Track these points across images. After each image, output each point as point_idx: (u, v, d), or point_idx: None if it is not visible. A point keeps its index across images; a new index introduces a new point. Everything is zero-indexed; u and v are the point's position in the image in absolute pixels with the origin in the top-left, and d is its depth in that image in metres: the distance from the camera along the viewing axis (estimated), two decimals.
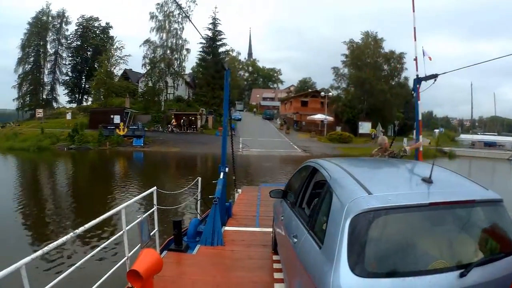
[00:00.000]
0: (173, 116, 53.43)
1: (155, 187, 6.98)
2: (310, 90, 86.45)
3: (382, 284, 3.15)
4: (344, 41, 66.04)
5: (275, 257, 7.11)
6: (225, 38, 68.52)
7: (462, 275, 3.24)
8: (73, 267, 4.47)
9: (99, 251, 5.43)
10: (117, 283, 5.92)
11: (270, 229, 7.95)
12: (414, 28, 10.38)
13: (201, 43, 64.70)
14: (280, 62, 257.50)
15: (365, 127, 63.42)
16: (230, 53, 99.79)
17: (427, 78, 10.16)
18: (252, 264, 7.17)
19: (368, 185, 3.67)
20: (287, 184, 7.02)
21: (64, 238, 4.24)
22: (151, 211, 6.84)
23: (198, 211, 10.46)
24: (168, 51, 59.26)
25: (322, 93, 68.42)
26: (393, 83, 65.69)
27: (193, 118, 54.35)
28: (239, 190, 14.84)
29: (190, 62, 74.79)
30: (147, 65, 59.37)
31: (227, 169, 10.47)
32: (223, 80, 11.79)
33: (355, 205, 3.43)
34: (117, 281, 5.81)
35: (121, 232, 5.62)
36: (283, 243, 5.69)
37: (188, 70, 67.24)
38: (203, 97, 62.41)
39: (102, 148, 41.95)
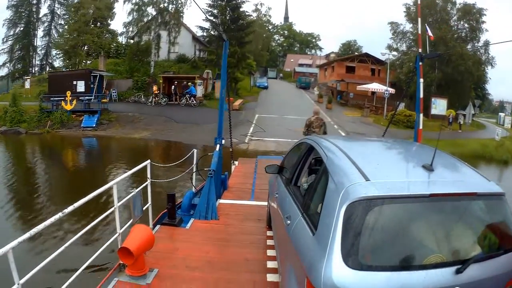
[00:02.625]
0: (159, 82, 43.88)
1: (148, 160, 7.60)
2: (357, 53, 76.04)
3: (376, 277, 3.21)
4: None
5: (269, 233, 7.73)
6: None
7: (458, 272, 3.33)
8: (62, 247, 4.80)
9: (92, 229, 5.98)
10: (111, 259, 6.79)
11: (266, 203, 8.52)
12: (419, 4, 13.04)
13: None
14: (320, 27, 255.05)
15: (439, 105, 50.50)
16: (258, 7, 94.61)
17: (430, 56, 12.43)
18: (246, 239, 7.87)
19: (366, 169, 3.81)
20: (283, 159, 7.52)
21: (52, 219, 4.47)
22: (144, 185, 7.50)
23: (193, 183, 10.82)
24: None
25: (384, 53, 55.28)
26: (470, 48, 53.71)
27: (189, 83, 43.54)
28: (236, 162, 15.60)
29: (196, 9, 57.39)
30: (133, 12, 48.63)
31: (223, 140, 10.93)
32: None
33: (351, 191, 3.51)
34: (111, 257, 6.67)
35: (113, 208, 6.12)
36: (277, 222, 6.02)
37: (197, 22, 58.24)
38: (211, 54, 51.54)
39: (36, 132, 32.97)
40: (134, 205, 6.81)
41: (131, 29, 50.06)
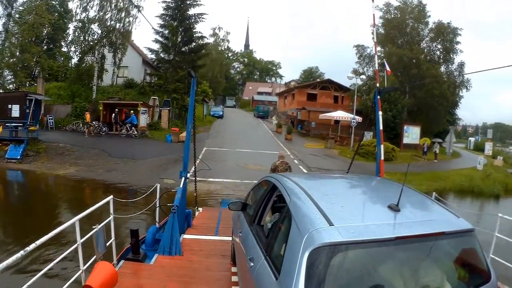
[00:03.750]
0: (99, 109, 40.02)
1: (111, 196, 7.89)
2: (319, 80, 76.13)
3: None
4: (376, 6, 51.44)
5: (233, 269, 8.05)
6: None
7: None
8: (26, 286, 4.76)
9: (54, 268, 6.19)
10: None
11: (230, 238, 9.02)
12: (375, 42, 16.17)
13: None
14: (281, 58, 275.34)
15: (412, 133, 48.89)
16: (216, 32, 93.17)
17: (387, 90, 14.29)
18: (211, 276, 8.16)
19: (329, 213, 3.94)
20: (247, 195, 8.02)
21: (14, 257, 4.45)
22: (107, 220, 7.75)
23: (157, 218, 11.00)
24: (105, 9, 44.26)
25: (351, 77, 51.41)
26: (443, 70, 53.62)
27: (131, 112, 39.80)
28: (200, 209, 15.40)
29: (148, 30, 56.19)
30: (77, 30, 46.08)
31: (188, 174, 11.43)
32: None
33: (314, 237, 3.60)
34: None
35: (76, 245, 6.20)
36: (241, 261, 6.19)
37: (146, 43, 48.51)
38: (160, 79, 48.08)
39: None
40: (97, 241, 6.95)
41: (72, 48, 48.67)
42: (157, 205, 11.21)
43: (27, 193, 23.28)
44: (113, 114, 38.60)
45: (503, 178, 35.08)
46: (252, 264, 4.80)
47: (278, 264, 3.96)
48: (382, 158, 11.03)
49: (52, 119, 37.22)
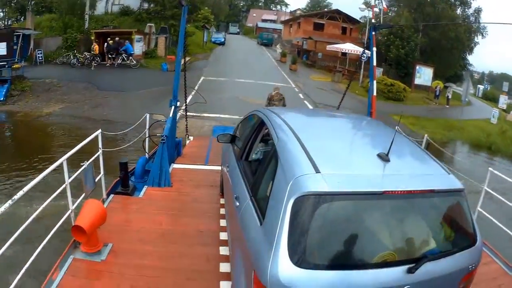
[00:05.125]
0: (91, 38, 36.63)
1: (100, 130, 8.03)
2: (326, 10, 71.51)
3: (324, 276, 3.36)
4: None
5: (222, 201, 8.21)
6: None
7: (409, 271, 3.49)
8: (16, 233, 4.92)
9: (45, 209, 5.85)
10: (66, 237, 6.71)
11: (220, 168, 8.99)
12: None
13: None
14: None
15: (424, 75, 45.76)
16: None
17: (382, 26, 15.78)
18: (199, 208, 8.41)
19: (317, 158, 3.89)
20: (236, 127, 8.19)
21: (2, 208, 4.47)
22: (95, 155, 7.93)
23: (146, 149, 11.17)
24: None
25: (363, 8, 49.37)
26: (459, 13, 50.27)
27: (125, 41, 36.81)
28: (191, 138, 15.86)
29: None
30: None
31: (178, 103, 11.29)
32: None
33: (300, 184, 3.57)
34: (65, 235, 6.64)
35: (64, 186, 6.29)
36: (228, 196, 6.39)
37: None
38: (157, 5, 44.95)
39: None
40: (86, 179, 7.07)
41: None
42: (146, 136, 11.41)
43: (6, 136, 21.86)
44: (105, 44, 36.44)
45: None
46: (237, 203, 4.97)
47: (263, 208, 4.03)
48: (375, 94, 11.27)
49: (41, 53, 35.52)
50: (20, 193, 4.80)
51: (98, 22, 43.27)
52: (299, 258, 3.29)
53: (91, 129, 18.85)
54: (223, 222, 7.39)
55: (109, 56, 36.23)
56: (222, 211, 7.89)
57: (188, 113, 17.32)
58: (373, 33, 11.17)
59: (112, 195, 8.56)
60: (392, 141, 4.00)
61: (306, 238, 3.36)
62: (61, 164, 6.13)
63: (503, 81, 67.75)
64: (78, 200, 6.88)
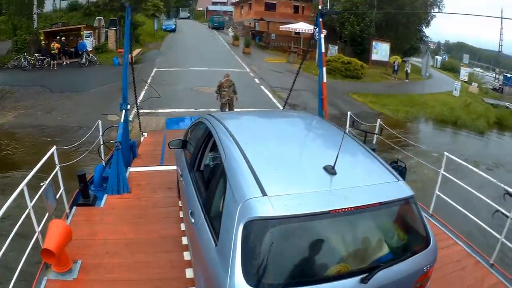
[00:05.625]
0: (39, 38, 35.50)
1: (54, 147, 8.11)
2: None
3: None
4: None
5: (180, 203, 8.33)
6: None
7: (363, 281, 3.66)
8: None
9: (13, 238, 6.09)
10: (36, 259, 6.98)
11: (175, 167, 9.07)
12: None
13: None
14: None
15: (381, 50, 45.64)
16: None
17: (330, 13, 16.65)
18: (159, 213, 8.65)
19: (263, 178, 4.03)
20: (186, 131, 8.13)
21: None
22: (53, 173, 8.03)
23: (102, 156, 11.41)
24: None
25: None
26: None
27: (73, 38, 36.90)
28: (145, 134, 16.07)
29: None
30: None
31: (128, 106, 11.33)
32: None
33: (248, 208, 3.74)
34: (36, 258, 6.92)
35: (27, 211, 6.46)
36: (184, 205, 6.68)
37: None
38: None
39: None
40: (47, 197, 7.23)
41: None
42: (101, 143, 11.52)
43: None
44: (54, 43, 34.75)
45: (484, 110, 33.98)
46: (193, 220, 5.18)
47: (216, 228, 4.19)
48: (325, 80, 11.18)
49: None
50: None
51: (47, 21, 42.34)
52: (255, 279, 3.50)
53: (46, 139, 19.12)
54: (183, 226, 7.65)
55: (61, 55, 35.40)
56: (182, 214, 8.11)
57: (142, 110, 17.64)
58: (320, 19, 11.04)
59: (74, 208, 8.70)
60: (338, 155, 4.10)
61: (259, 259, 3.53)
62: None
63: (462, 52, 68.99)
64: (43, 221, 7.03)
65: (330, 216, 3.75)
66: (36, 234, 6.67)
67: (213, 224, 4.39)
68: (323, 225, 3.85)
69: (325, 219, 3.78)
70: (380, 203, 3.93)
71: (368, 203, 3.89)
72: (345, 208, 3.77)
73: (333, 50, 43.76)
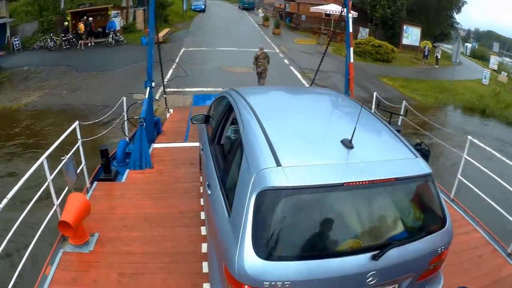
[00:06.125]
0: (67, 19, 34.73)
1: (77, 122, 8.12)
2: None
3: (289, 267, 3.50)
4: None
5: (202, 179, 8.22)
6: None
7: (374, 258, 3.59)
8: (6, 238, 5.20)
9: (32, 210, 6.08)
10: (54, 232, 6.90)
11: (198, 144, 9.09)
12: None
13: None
14: None
15: (412, 34, 44.43)
16: None
17: None
18: (180, 188, 8.65)
19: (279, 150, 3.98)
20: (209, 107, 8.11)
21: None
22: (75, 148, 8.05)
23: (126, 132, 11.26)
24: None
25: None
26: None
27: (100, 19, 36.30)
28: (171, 110, 16.19)
29: None
30: None
31: (153, 83, 11.41)
32: None
33: (261, 178, 3.69)
34: (53, 230, 6.81)
35: (46, 183, 6.53)
36: (203, 178, 6.80)
37: None
38: None
39: None
40: (68, 171, 7.30)
41: None
42: (125, 119, 11.46)
43: None
44: (81, 24, 34.32)
45: None
46: (209, 192, 5.24)
47: (231, 199, 4.17)
48: (352, 61, 11.15)
49: (18, 40, 34.13)
50: (5, 201, 4.97)
51: (74, 1, 41.10)
52: (264, 250, 3.49)
53: (70, 118, 18.06)
54: (203, 201, 7.59)
55: (87, 35, 35.13)
56: (202, 189, 7.96)
57: (169, 89, 17.82)
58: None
59: (95, 183, 8.78)
60: (355, 129, 4.00)
61: (270, 231, 3.52)
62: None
63: (492, 41, 67.29)
64: (62, 194, 7.11)
65: (344, 189, 3.71)
66: (55, 207, 6.75)
67: (228, 196, 4.41)
68: (337, 198, 3.80)
69: (339, 192, 3.74)
70: (396, 179, 3.86)
71: (384, 178, 3.82)
72: (360, 182, 3.72)
73: (364, 33, 43.32)
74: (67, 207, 6.22)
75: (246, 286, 3.54)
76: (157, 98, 19.69)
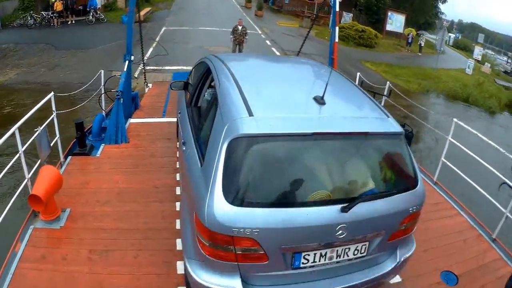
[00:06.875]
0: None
1: (52, 93, 8.00)
2: None
3: (258, 214, 3.57)
4: None
5: (179, 153, 8.09)
6: None
7: (343, 210, 3.67)
8: None
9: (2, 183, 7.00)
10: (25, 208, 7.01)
11: (176, 119, 9.15)
12: None
13: None
14: None
15: (396, 21, 45.39)
16: None
17: None
18: (156, 163, 8.62)
19: (252, 102, 4.11)
20: (188, 74, 8.47)
21: None
22: (49, 119, 7.91)
23: (102, 106, 11.27)
24: None
25: None
26: None
27: None
28: (150, 85, 16.12)
29: None
30: None
31: (132, 57, 11.17)
32: None
33: (233, 127, 3.80)
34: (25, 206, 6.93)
35: (18, 155, 6.43)
36: (179, 144, 6.69)
37: None
38: None
39: None
40: (40, 144, 7.16)
41: None
42: (102, 92, 11.33)
43: None
44: (63, 1, 33.96)
45: (496, 91, 33.58)
46: (184, 148, 5.36)
47: (203, 150, 4.27)
48: (337, 40, 11.28)
49: None
50: None
51: None
52: (234, 197, 3.55)
53: (47, 95, 18.30)
54: (179, 177, 7.43)
55: (68, 13, 34.48)
56: (178, 164, 7.96)
57: (149, 67, 17.59)
58: None
59: (69, 157, 8.66)
60: (326, 85, 4.14)
61: (240, 178, 3.59)
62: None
63: (475, 33, 68.16)
64: (35, 167, 7.00)
65: (314, 139, 3.79)
66: (26, 180, 6.59)
67: (201, 148, 4.52)
68: (307, 148, 3.88)
69: (309, 141, 3.81)
70: (366, 133, 3.96)
71: (353, 131, 3.94)
72: (330, 132, 3.85)
73: (347, 17, 43.34)
74: (38, 180, 6.12)
75: (216, 234, 3.60)
76: (136, 76, 19.60)
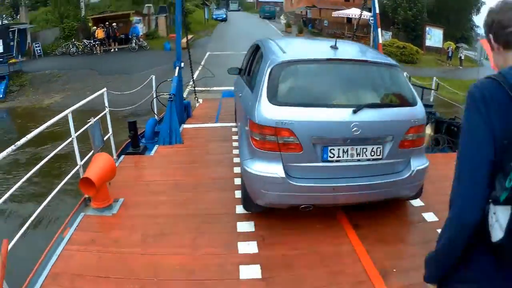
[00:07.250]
0: (88, 25, 36.47)
1: (105, 89, 8.24)
2: None
3: (290, 110, 4.82)
4: None
5: (235, 151, 8.27)
6: None
7: (354, 112, 4.75)
8: (20, 182, 4.98)
9: (52, 165, 7.15)
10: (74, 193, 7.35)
11: (230, 124, 10.03)
12: None
13: None
14: None
15: (434, 36, 44.76)
16: None
17: None
18: (212, 160, 8.57)
19: (287, 49, 5.73)
20: (242, 62, 8.87)
21: (4, 153, 4.48)
22: (102, 114, 7.91)
23: (155, 110, 11.53)
24: None
25: None
26: None
27: (123, 26, 36.36)
28: (200, 100, 16.57)
29: None
30: None
31: (182, 64, 11.36)
32: None
33: (273, 59, 5.30)
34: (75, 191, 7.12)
35: (70, 139, 6.43)
36: (239, 114, 7.49)
37: None
38: None
39: None
40: (94, 136, 7.07)
41: None
42: (154, 96, 11.50)
43: (6, 132, 21.36)
44: (104, 29, 35.01)
45: None
46: (240, 95, 7.04)
47: (253, 85, 5.72)
48: (381, 41, 11.84)
49: (39, 46, 34.82)
50: (23, 139, 4.91)
51: (94, 9, 42.52)
52: (275, 100, 4.91)
53: (95, 114, 18.19)
54: (236, 170, 7.38)
55: (110, 41, 35.43)
56: (236, 160, 7.83)
57: (197, 88, 17.66)
58: None
59: (122, 156, 8.60)
60: (336, 41, 5.64)
61: (277, 88, 5.00)
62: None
63: None
64: (87, 156, 6.92)
65: (328, 63, 5.28)
66: (77, 166, 6.52)
67: (252, 85, 5.90)
68: (323, 69, 5.33)
69: (324, 65, 5.31)
70: (366, 61, 5.48)
71: (358, 58, 5.58)
72: (339, 59, 5.38)
73: (387, 36, 42.90)
74: (91, 166, 6.01)
75: (264, 127, 4.83)
76: (184, 96, 19.18)
